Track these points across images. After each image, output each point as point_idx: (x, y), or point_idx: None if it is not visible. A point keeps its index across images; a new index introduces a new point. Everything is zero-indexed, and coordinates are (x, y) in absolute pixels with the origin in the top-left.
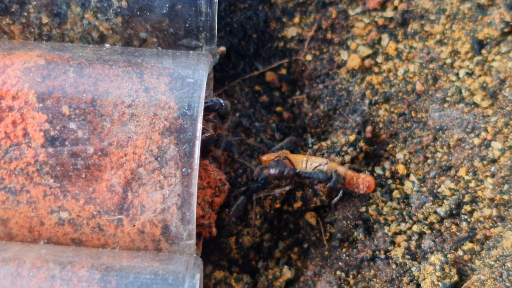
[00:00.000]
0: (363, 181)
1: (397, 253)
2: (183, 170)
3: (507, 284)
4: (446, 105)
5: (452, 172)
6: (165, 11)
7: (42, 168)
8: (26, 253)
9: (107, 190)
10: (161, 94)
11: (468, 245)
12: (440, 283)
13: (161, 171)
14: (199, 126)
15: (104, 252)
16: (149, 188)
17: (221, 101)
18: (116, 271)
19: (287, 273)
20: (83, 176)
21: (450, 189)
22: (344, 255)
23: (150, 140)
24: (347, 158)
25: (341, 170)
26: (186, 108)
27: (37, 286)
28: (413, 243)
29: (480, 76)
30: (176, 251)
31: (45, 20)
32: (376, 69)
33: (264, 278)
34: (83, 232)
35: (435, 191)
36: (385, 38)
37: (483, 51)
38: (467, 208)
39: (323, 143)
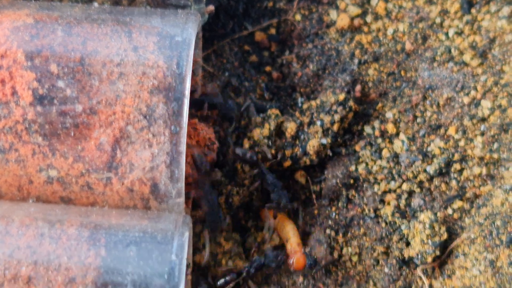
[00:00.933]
0: (293, 258)
1: (387, 211)
2: (172, 128)
3: (497, 242)
4: (435, 64)
5: (442, 131)
6: None
7: (30, 126)
8: (15, 211)
9: (96, 149)
10: (149, 53)
11: (457, 204)
12: (429, 241)
13: (150, 129)
14: (188, 84)
15: (93, 210)
16: (138, 146)
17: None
18: (105, 229)
19: (276, 239)
20: (72, 134)
21: (439, 147)
22: (333, 213)
23: (138, 98)
24: (337, 117)
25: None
26: (175, 66)
27: (26, 244)
28: (402, 202)
29: (469, 35)
30: (165, 209)
31: None
32: (365, 29)
33: (252, 239)
34: (72, 190)
35: (424, 150)
36: None
37: (473, 10)
38: (457, 166)
39: (313, 103)
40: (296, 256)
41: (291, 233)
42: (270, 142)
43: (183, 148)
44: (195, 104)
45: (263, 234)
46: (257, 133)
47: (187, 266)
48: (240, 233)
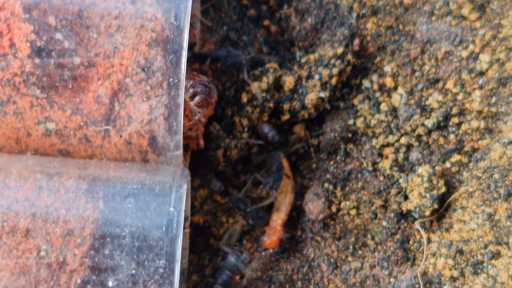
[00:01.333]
0: (268, 237)
1: (385, 165)
2: (170, 80)
3: (495, 195)
4: (433, 18)
5: (440, 84)
6: None
7: (28, 79)
8: (13, 164)
9: (94, 101)
10: (147, 5)
11: (455, 157)
12: (427, 195)
13: (148, 82)
14: (186, 36)
15: (91, 163)
16: (136, 99)
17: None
18: (103, 181)
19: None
20: (70, 87)
21: (437, 101)
22: (331, 167)
23: (137, 51)
24: (335, 71)
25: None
26: (173, 19)
27: (24, 197)
28: (400, 155)
29: None
30: (163, 162)
31: None
32: None
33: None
34: (70, 143)
35: (422, 103)
36: None
37: None
38: (455, 120)
39: (311, 56)
40: (272, 238)
41: (283, 208)
42: (268, 96)
43: (181, 100)
44: (197, 59)
45: (260, 190)
46: (255, 86)
47: (185, 219)
48: (238, 188)
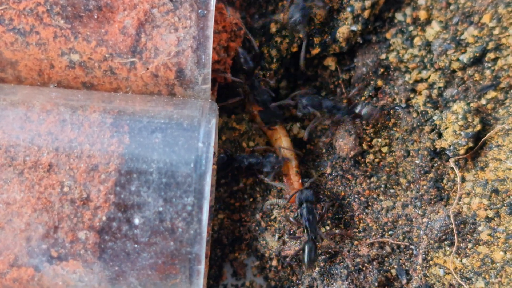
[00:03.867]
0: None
1: (418, 101)
2: (199, 11)
3: None
4: None
5: (476, 18)
6: None
7: (52, 8)
8: (35, 96)
9: (120, 32)
10: None
11: (491, 94)
12: (462, 132)
13: (176, 13)
14: None
15: (117, 96)
16: (163, 30)
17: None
18: (129, 115)
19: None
20: (95, 17)
21: (473, 36)
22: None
23: None
24: (367, 3)
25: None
26: None
27: (47, 130)
28: (434, 92)
29: None
30: (191, 96)
31: None
32: None
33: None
34: (95, 75)
35: (457, 38)
36: None
37: None
38: (491, 55)
39: None
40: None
41: (290, 154)
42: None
43: (210, 32)
44: None
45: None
46: (284, 17)
47: (213, 154)
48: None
